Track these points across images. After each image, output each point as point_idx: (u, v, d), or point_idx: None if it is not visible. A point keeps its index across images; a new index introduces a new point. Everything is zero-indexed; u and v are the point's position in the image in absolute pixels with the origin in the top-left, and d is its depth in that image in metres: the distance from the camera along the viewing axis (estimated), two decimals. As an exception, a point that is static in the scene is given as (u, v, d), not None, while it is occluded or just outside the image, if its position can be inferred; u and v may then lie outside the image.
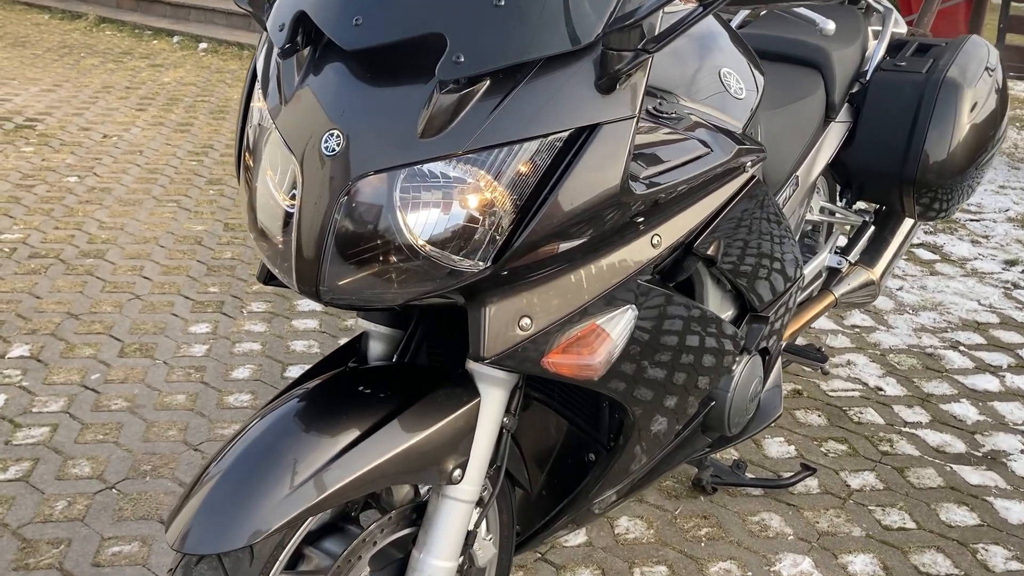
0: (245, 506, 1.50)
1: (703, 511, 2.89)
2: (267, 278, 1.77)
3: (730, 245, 1.91)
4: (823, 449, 3.25)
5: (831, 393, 3.61)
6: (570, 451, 2.15)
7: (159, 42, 10.02)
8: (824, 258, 3.11)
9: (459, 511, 1.74)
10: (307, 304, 4.17)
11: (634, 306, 1.68)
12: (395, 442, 1.60)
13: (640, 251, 1.67)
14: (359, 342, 1.93)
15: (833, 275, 3.12)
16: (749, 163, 1.86)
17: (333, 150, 1.46)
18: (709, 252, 1.86)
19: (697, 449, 2.32)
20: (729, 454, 3.15)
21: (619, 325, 1.66)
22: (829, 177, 3.14)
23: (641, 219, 1.65)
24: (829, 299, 3.03)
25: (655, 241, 1.69)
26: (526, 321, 1.58)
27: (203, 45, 9.66)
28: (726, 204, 1.85)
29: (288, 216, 1.53)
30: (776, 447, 3.25)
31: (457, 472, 1.70)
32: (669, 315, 1.78)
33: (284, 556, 1.59)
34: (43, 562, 2.54)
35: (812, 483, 3.04)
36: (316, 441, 1.57)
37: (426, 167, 1.44)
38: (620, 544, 2.74)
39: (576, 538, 2.76)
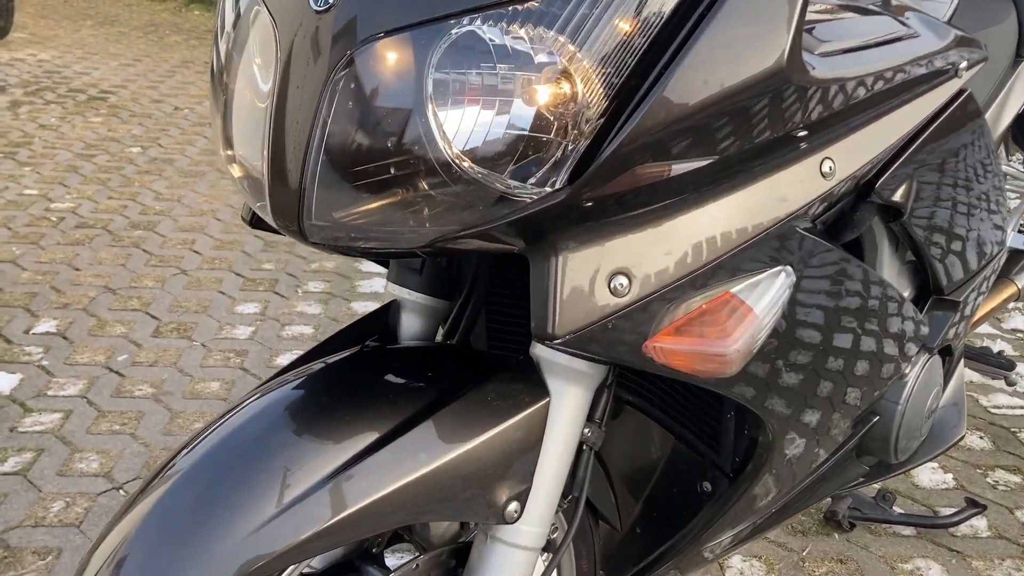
0: (203, 537, 1.00)
1: (838, 553, 2.27)
2: (254, 219, 1.25)
3: (923, 190, 1.31)
4: (990, 479, 2.58)
5: (994, 410, 2.93)
6: (676, 477, 1.58)
7: (246, 21, 9.77)
8: (1008, 237, 2.45)
9: (517, 560, 1.20)
10: (370, 284, 3.68)
11: (789, 268, 1.11)
12: (428, 456, 1.08)
13: (804, 182, 1.09)
14: (387, 314, 1.40)
15: (1015, 260, 2.45)
16: (964, 64, 1.25)
17: (327, 1, 0.94)
18: (895, 198, 1.26)
19: (848, 480, 1.72)
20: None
21: (767, 296, 1.09)
22: (1014, 134, 2.47)
23: (805, 132, 1.07)
24: (1011, 290, 2.37)
25: (827, 168, 1.11)
26: (621, 282, 1.02)
27: (289, 24, 9.35)
28: (926, 125, 1.25)
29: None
30: (929, 475, 2.59)
31: (513, 506, 1.15)
32: (836, 287, 1.20)
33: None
34: (23, 577, 2.10)
35: (980, 523, 2.39)
36: (317, 445, 1.06)
37: (477, 29, 0.90)
38: (732, 592, 2.16)
39: (675, 581, 2.18)
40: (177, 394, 2.85)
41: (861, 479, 1.76)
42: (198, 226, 4.18)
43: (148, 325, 3.27)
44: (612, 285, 1.02)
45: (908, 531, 2.35)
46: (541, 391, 1.17)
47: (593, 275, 1.01)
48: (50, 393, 2.82)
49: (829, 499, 2.30)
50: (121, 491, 2.39)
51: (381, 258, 1.45)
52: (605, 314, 1.01)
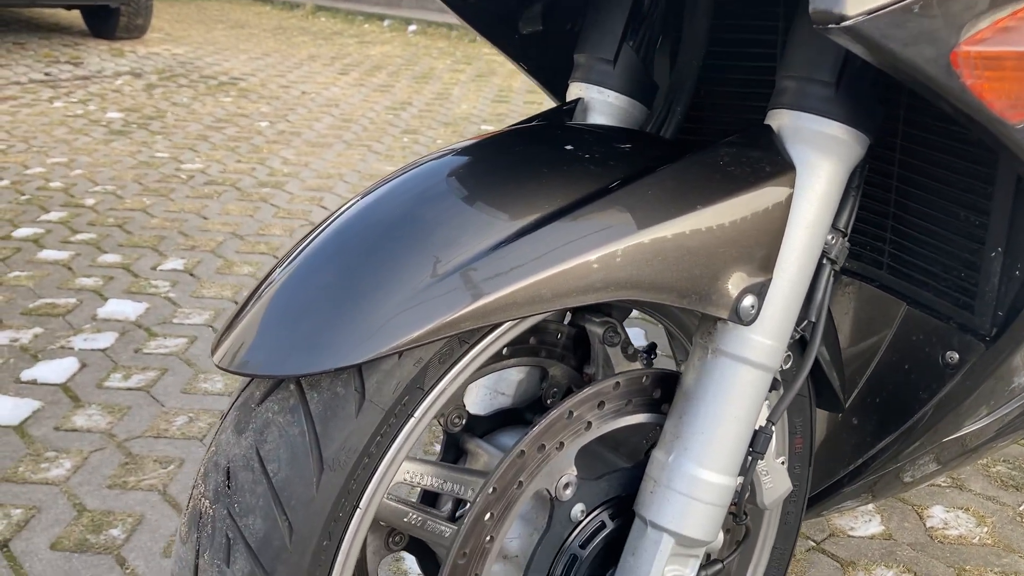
0: (355, 306, 0.79)
1: (1063, 509, 1.92)
2: None
3: None
4: None
5: None
6: (909, 351, 1.29)
7: (370, 25, 9.88)
8: None
9: (745, 382, 0.95)
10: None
11: None
12: (643, 219, 0.85)
13: None
14: (566, 117, 1.17)
15: None
16: None
17: None
18: None
19: None
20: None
21: None
22: None
23: None
24: None
25: None
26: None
27: (412, 27, 9.40)
28: None
29: None
30: None
31: (749, 301, 0.91)
32: None
33: (429, 403, 0.85)
34: (144, 482, 1.95)
35: None
36: (489, 207, 0.84)
37: None
38: (937, 541, 1.83)
39: (867, 526, 1.87)
40: (304, 326, 2.70)
41: None
42: (325, 186, 4.08)
43: (275, 267, 3.14)
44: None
45: None
46: (785, 162, 0.93)
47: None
48: (175, 321, 2.70)
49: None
50: (246, 410, 2.23)
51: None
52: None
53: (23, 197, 3.76)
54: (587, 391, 0.95)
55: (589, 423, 0.96)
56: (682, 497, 0.95)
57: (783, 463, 1.15)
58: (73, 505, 1.86)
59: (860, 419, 1.33)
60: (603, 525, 1.00)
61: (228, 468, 0.82)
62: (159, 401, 2.26)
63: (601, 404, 0.97)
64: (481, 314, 0.80)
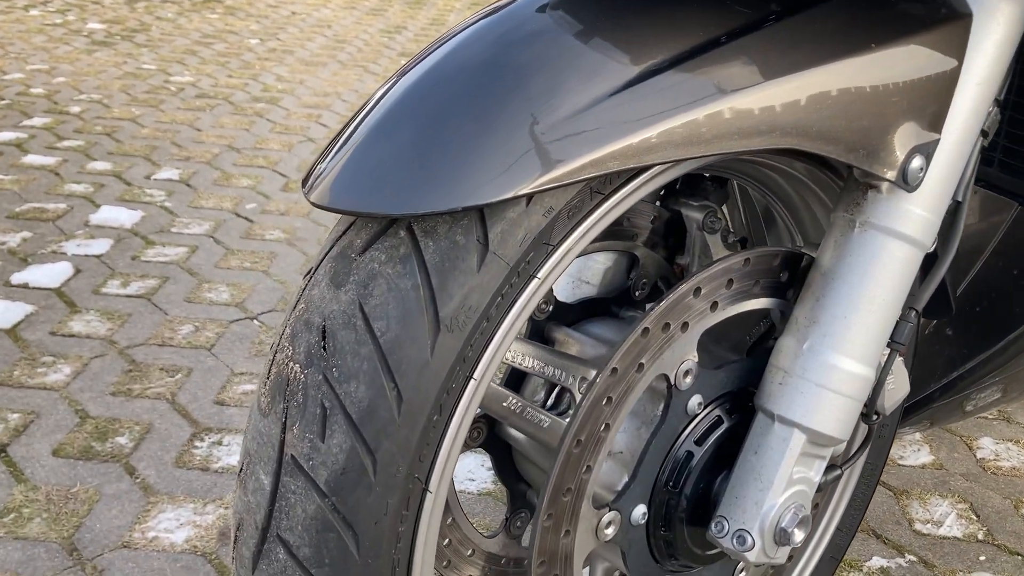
0: (481, 137, 0.67)
1: (1115, 444, 1.85)
2: None
3: None
4: None
5: None
6: (1017, 253, 1.18)
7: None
8: None
9: (895, 258, 0.84)
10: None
11: None
12: (799, 60, 0.72)
13: None
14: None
15: None
16: None
17: None
18: None
19: None
20: None
21: None
22: None
23: None
24: None
25: None
26: None
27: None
28: None
29: None
30: None
31: (918, 163, 0.79)
32: None
33: (554, 262, 0.73)
34: (151, 390, 1.81)
35: None
36: (631, 37, 0.72)
37: None
38: (990, 473, 1.75)
39: (916, 455, 1.79)
40: (311, 240, 2.55)
41: None
42: (323, 104, 3.90)
43: (276, 181, 2.98)
44: None
45: None
46: (962, 4, 0.80)
47: None
48: (174, 230, 2.55)
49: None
50: (255, 321, 2.10)
51: None
52: None
53: (2, 102, 3.54)
54: (716, 266, 0.83)
55: (715, 303, 0.84)
56: (817, 388, 0.84)
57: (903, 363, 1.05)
58: (75, 411, 1.73)
59: (956, 330, 1.23)
60: (720, 421, 0.89)
61: (324, 327, 0.69)
62: (162, 309, 2.12)
63: (729, 282, 0.85)
64: (631, 152, 0.67)
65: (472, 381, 0.71)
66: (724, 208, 1.07)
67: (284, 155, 3.23)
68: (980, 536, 1.57)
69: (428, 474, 0.71)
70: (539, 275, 0.72)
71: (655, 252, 1.07)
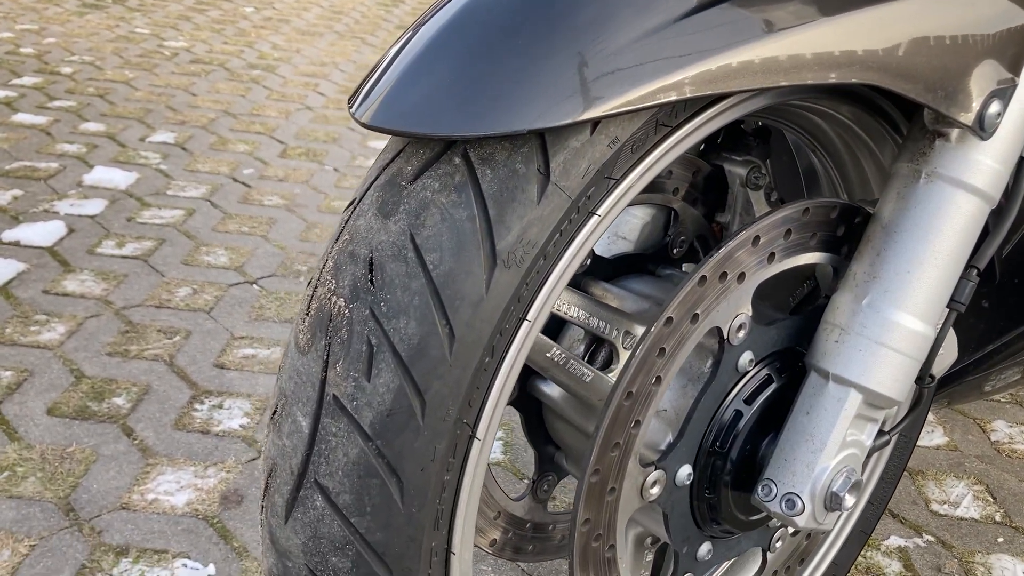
0: (545, 56, 0.63)
1: None
2: None
3: None
4: None
5: None
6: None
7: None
8: None
9: (966, 210, 0.79)
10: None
11: None
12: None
13: None
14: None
15: None
16: None
17: None
18: None
19: None
20: None
21: None
22: None
23: None
24: None
25: None
26: None
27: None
28: None
29: None
30: None
31: (995, 108, 0.75)
32: None
33: (615, 199, 0.68)
34: (148, 351, 1.76)
35: None
36: None
37: None
38: (1004, 456, 1.72)
39: (930, 436, 1.76)
40: (311, 207, 2.49)
41: None
42: (320, 73, 3.83)
43: (274, 147, 2.92)
44: None
45: None
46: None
47: None
48: (169, 193, 2.48)
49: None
50: (255, 285, 2.04)
51: None
52: None
53: (-8, 60, 3.45)
54: (776, 214, 0.79)
55: (772, 254, 0.80)
56: (875, 346, 0.80)
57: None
58: (70, 371, 1.67)
59: (993, 301, 1.20)
60: (769, 380, 0.84)
61: (371, 259, 0.64)
62: (158, 271, 2.06)
63: (788, 232, 0.80)
64: (709, 78, 0.63)
65: (526, 323, 0.66)
66: (767, 164, 1.03)
67: (281, 122, 3.16)
68: (997, 518, 1.55)
69: (476, 420, 0.67)
70: (599, 212, 0.67)
71: (695, 207, 1.02)
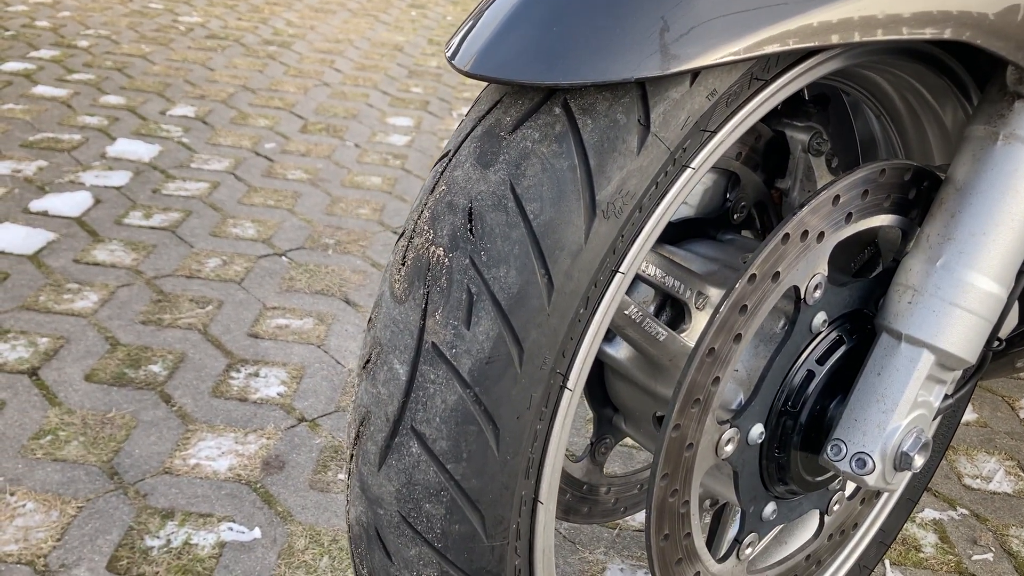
0: (646, 5, 0.62)
1: None
2: None
3: None
4: None
5: None
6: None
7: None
8: None
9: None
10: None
11: None
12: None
13: None
14: None
15: None
16: None
17: None
18: None
19: None
20: None
21: None
22: None
23: None
24: None
25: None
26: None
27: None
28: None
29: None
30: None
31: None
32: None
33: (707, 152, 0.68)
34: (182, 320, 1.76)
35: None
36: None
37: None
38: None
39: (960, 413, 1.76)
40: (335, 182, 2.49)
41: None
42: (336, 50, 3.81)
43: (294, 122, 2.91)
44: None
45: None
46: None
47: None
48: (193, 166, 2.48)
49: None
50: (284, 257, 2.04)
51: None
52: None
53: (7, 32, 3.43)
54: (855, 174, 0.79)
55: (850, 214, 0.80)
56: (949, 307, 0.80)
57: (1012, 296, 1.02)
58: (105, 338, 1.67)
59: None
60: (840, 341, 0.85)
61: (470, 209, 0.64)
62: (187, 242, 2.06)
63: (865, 193, 0.81)
64: (810, 31, 0.63)
65: (619, 275, 0.67)
66: (828, 130, 1.03)
67: (300, 98, 3.15)
68: (1029, 492, 1.56)
69: (567, 371, 0.67)
70: (693, 164, 0.67)
71: (755, 173, 1.03)
